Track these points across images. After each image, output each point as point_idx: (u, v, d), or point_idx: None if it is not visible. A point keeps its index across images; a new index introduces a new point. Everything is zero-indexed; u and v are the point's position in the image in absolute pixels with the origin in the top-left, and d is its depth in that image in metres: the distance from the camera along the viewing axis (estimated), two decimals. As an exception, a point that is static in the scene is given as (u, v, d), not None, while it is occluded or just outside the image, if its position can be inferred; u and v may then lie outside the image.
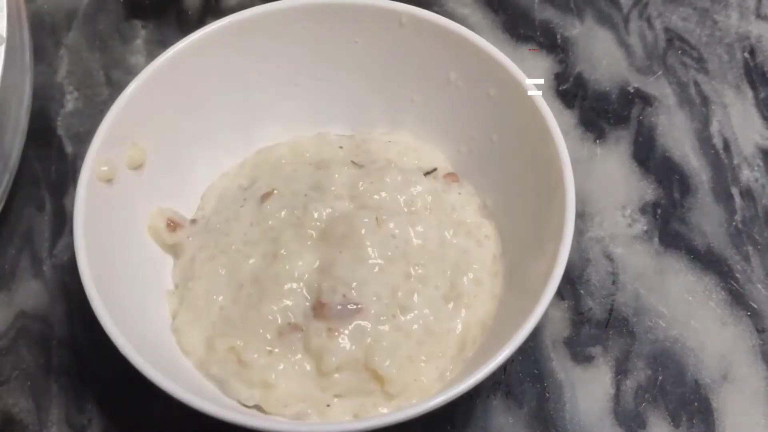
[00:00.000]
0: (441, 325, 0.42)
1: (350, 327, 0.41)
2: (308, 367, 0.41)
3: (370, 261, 0.42)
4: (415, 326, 0.41)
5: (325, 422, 0.40)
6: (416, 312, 0.42)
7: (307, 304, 0.42)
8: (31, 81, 0.52)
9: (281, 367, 0.41)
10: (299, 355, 0.41)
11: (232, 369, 0.41)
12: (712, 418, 0.44)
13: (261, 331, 0.41)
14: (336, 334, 0.40)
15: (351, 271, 0.42)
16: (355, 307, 0.41)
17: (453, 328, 0.42)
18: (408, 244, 0.43)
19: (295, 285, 0.42)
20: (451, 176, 0.47)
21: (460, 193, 0.47)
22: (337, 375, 0.40)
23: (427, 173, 0.47)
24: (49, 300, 0.47)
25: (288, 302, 0.42)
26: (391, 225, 0.43)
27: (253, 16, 0.46)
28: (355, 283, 0.41)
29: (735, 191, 0.51)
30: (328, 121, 0.50)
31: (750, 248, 0.49)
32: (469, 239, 0.45)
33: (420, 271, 0.42)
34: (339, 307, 0.41)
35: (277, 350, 0.41)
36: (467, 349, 0.42)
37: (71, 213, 0.40)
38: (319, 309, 0.41)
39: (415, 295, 0.42)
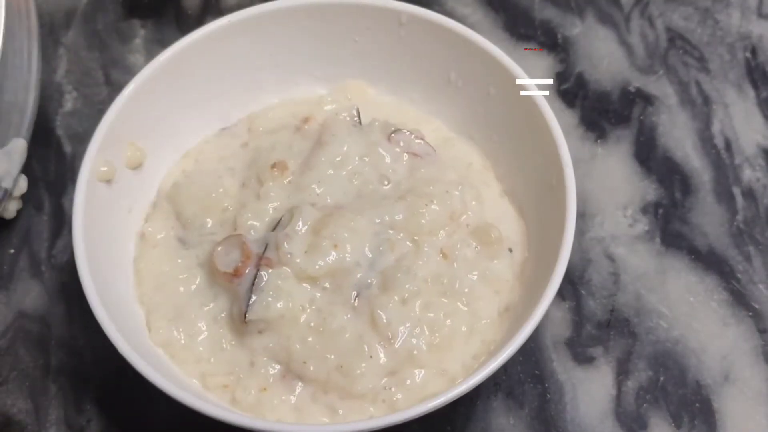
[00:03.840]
0: (482, 320, 0.40)
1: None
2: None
3: (418, 300, 0.40)
4: (448, 326, 0.40)
5: (324, 423, 0.39)
6: (453, 317, 0.40)
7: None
8: (38, 67, 0.51)
9: (276, 402, 0.39)
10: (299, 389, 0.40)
11: (227, 399, 0.40)
12: (714, 419, 0.44)
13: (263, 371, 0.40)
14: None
15: (394, 315, 0.39)
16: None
17: (492, 316, 0.41)
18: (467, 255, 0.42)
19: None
20: None
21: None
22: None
23: None
24: (47, 300, 0.47)
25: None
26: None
27: (252, 16, 0.46)
28: (392, 329, 0.39)
29: (736, 191, 0.51)
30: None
31: (751, 248, 0.49)
32: (504, 214, 0.44)
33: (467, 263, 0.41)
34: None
35: (271, 390, 0.40)
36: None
37: (70, 213, 0.40)
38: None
39: (454, 306, 0.41)
